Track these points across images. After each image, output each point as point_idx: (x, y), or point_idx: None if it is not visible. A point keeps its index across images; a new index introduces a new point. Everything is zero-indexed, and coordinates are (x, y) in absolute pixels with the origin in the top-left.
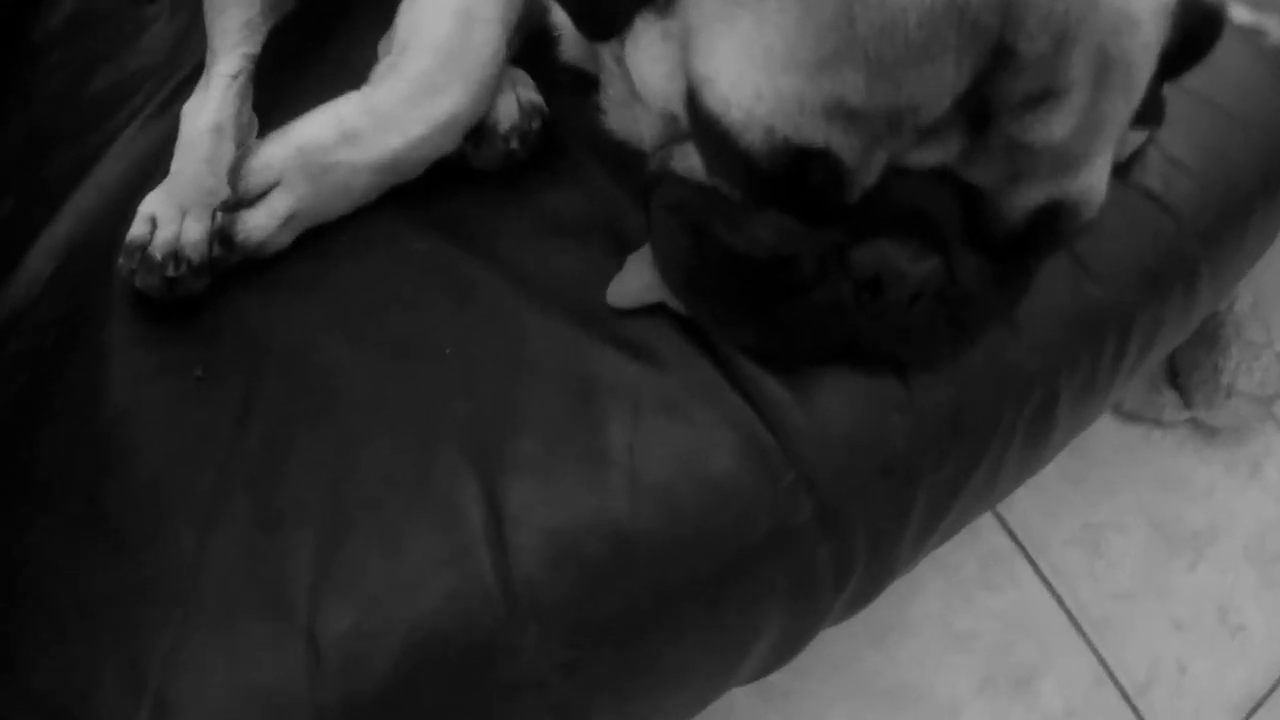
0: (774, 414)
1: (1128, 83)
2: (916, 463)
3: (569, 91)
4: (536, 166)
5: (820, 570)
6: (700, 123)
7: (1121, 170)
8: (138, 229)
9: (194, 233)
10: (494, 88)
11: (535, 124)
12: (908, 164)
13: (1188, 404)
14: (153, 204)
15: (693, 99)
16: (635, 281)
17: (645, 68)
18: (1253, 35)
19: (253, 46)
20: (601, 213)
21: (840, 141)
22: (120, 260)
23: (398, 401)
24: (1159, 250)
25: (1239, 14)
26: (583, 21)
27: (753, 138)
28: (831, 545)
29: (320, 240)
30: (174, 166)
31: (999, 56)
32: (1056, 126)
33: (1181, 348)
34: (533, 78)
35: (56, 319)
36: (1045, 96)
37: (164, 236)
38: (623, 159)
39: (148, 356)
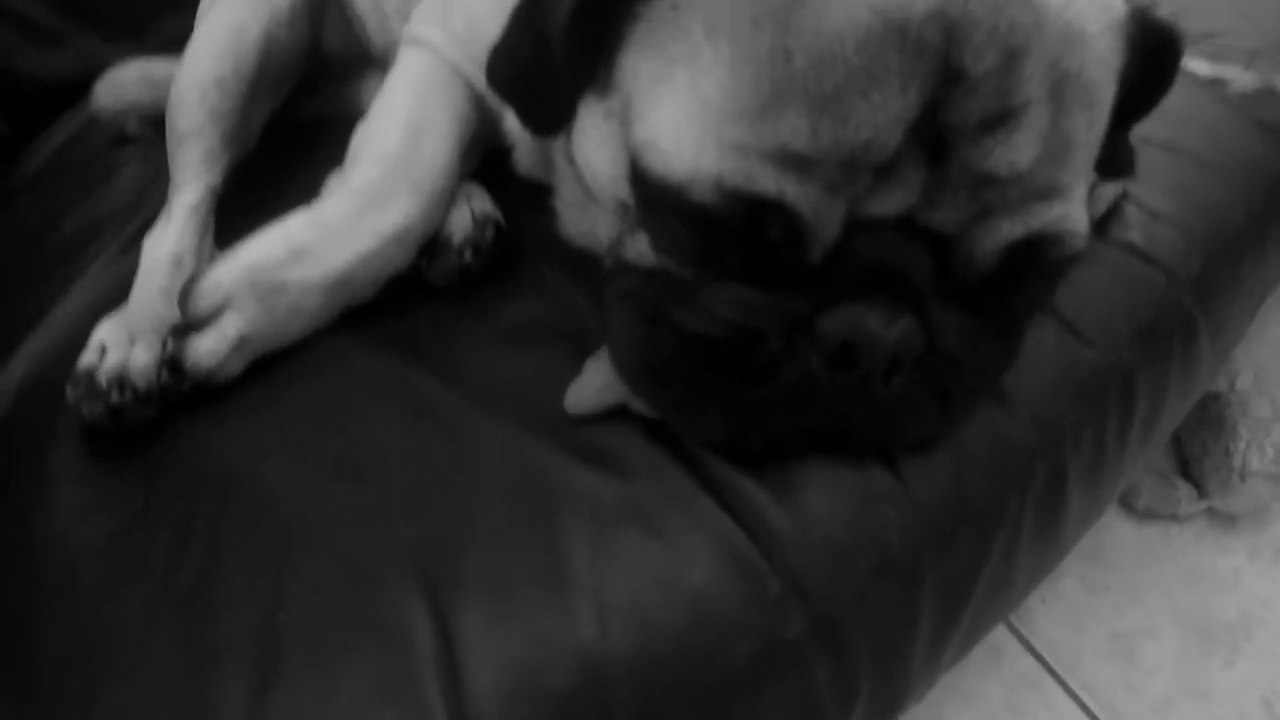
0: (753, 518)
1: (1087, 99)
2: (917, 560)
3: (528, 205)
4: (495, 279)
5: (821, 691)
6: (646, 190)
7: (1100, 228)
8: (87, 357)
9: (142, 359)
10: (446, 201)
11: (489, 234)
12: (870, 214)
13: (1203, 493)
14: (104, 332)
15: (636, 169)
16: (593, 383)
17: (591, 154)
18: (1215, 86)
19: (214, 178)
20: (561, 320)
21: (794, 192)
22: (68, 389)
23: (343, 524)
24: (1150, 305)
25: (1199, 67)
26: (530, 116)
27: (703, 189)
28: (831, 662)
29: (274, 365)
30: (132, 296)
31: (948, 77)
32: (1020, 150)
33: (1189, 435)
34: (492, 196)
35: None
36: (1003, 117)
37: (110, 363)
38: (581, 264)
39: (90, 490)
